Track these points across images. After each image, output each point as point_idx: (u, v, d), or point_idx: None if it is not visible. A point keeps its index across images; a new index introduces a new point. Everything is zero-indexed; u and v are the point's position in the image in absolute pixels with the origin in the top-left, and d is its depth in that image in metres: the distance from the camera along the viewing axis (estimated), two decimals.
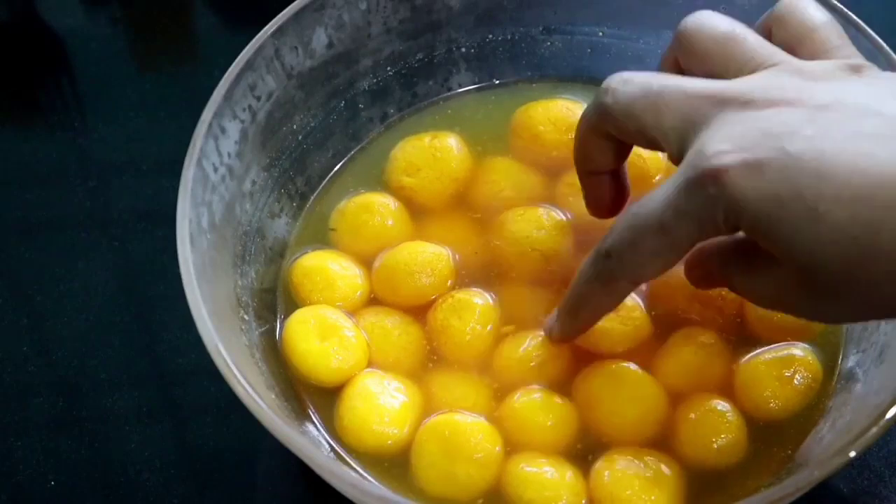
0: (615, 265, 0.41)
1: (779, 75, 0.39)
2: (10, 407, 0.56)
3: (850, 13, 0.46)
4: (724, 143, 0.37)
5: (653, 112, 0.40)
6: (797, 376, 0.46)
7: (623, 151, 0.45)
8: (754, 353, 0.47)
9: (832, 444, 0.43)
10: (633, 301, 0.48)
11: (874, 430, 0.38)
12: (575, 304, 0.45)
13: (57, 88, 0.71)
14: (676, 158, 0.39)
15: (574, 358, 0.48)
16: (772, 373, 0.46)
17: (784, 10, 0.42)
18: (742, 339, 0.48)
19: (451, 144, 0.54)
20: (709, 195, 0.37)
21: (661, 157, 0.53)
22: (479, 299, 0.49)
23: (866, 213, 0.34)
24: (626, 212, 0.41)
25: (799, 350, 0.47)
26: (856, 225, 0.34)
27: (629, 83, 0.41)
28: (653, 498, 0.44)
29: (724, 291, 0.48)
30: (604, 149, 0.44)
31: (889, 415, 0.39)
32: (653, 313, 0.49)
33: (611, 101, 0.41)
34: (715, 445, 0.45)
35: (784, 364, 0.46)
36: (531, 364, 0.48)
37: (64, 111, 0.69)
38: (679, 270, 0.49)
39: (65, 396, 0.56)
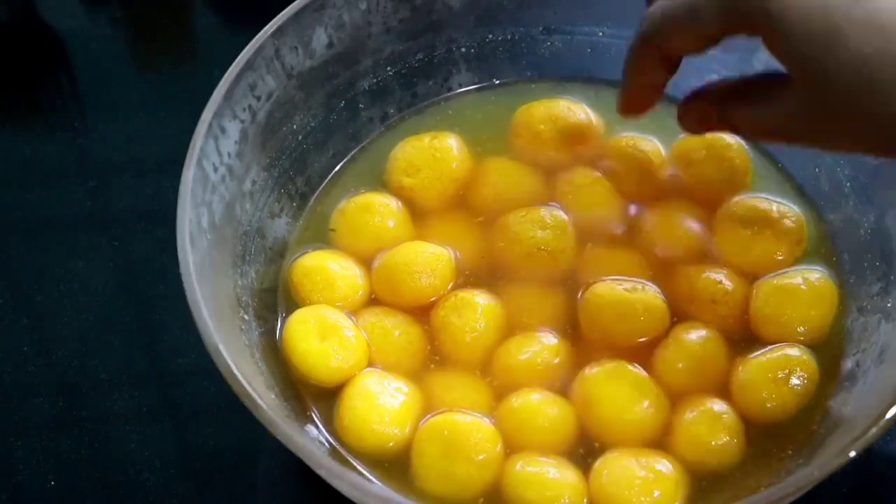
0: (649, 27, 0.43)
1: None
2: (10, 407, 0.56)
3: None
4: None
5: None
6: (794, 377, 0.46)
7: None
8: (753, 354, 0.47)
9: (832, 444, 0.43)
10: (655, 291, 0.49)
11: (874, 430, 0.38)
12: (627, 63, 0.46)
13: (57, 88, 0.71)
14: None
15: (580, 358, 0.48)
16: (768, 374, 0.46)
17: None
18: (742, 339, 0.48)
19: (451, 145, 0.54)
20: None
21: (662, 151, 0.53)
22: (482, 299, 0.49)
23: (879, 39, 0.36)
24: None
25: (796, 351, 0.47)
26: (868, 47, 0.36)
27: None
28: (652, 498, 0.43)
29: (723, 293, 0.49)
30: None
31: (889, 415, 0.39)
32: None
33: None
34: (714, 446, 0.45)
35: (781, 365, 0.46)
36: (536, 366, 0.48)
37: (64, 111, 0.70)
38: (678, 277, 0.49)
39: (65, 396, 0.56)
